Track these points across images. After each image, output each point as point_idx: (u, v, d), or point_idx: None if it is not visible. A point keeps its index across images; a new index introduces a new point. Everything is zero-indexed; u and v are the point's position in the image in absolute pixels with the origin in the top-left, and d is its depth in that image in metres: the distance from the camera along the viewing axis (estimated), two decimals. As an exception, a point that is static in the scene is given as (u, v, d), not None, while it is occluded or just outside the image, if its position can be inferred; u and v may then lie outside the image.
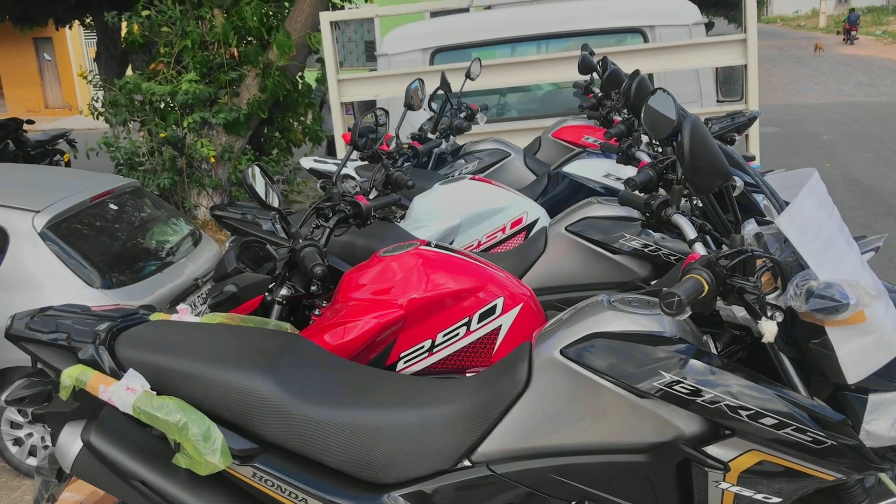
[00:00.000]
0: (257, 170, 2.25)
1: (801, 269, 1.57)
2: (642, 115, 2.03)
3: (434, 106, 4.45)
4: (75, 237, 4.95)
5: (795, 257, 1.60)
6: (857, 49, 29.49)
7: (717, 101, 6.06)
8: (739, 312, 1.61)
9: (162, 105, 8.06)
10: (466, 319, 2.28)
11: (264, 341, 1.90)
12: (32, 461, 4.99)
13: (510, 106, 6.73)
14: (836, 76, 22.34)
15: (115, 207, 5.54)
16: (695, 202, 2.14)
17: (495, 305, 2.28)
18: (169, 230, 5.71)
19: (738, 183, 2.20)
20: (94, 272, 4.63)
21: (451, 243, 3.23)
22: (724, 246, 1.77)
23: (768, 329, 1.52)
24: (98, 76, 8.93)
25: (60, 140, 12.11)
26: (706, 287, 1.49)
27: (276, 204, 2.27)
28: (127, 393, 1.69)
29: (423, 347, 2.28)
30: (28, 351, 1.83)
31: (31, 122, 12.46)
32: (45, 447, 4.91)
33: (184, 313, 2.05)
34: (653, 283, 2.59)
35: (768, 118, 15.93)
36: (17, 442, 5.03)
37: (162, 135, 7.92)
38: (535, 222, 3.28)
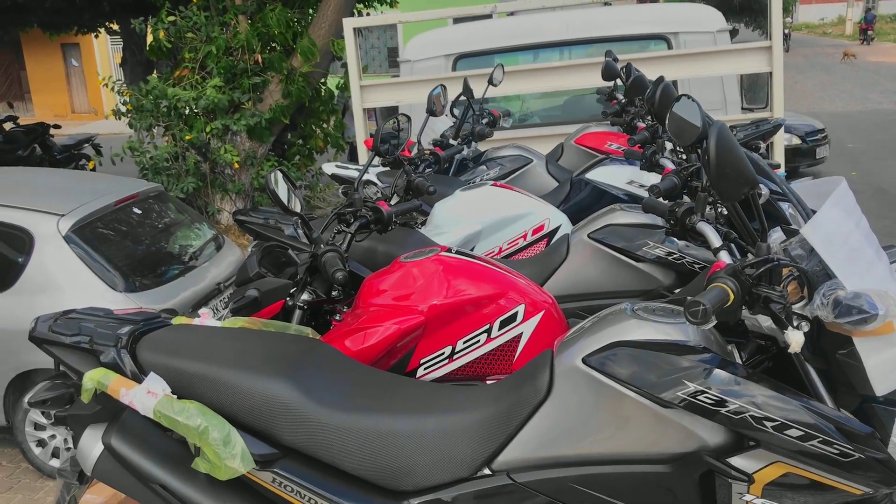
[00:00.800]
0: (280, 175, 2.26)
1: (828, 278, 1.54)
2: (667, 122, 2.01)
3: (456, 112, 4.45)
4: (99, 241, 5.00)
5: (822, 266, 1.57)
6: (885, 56, 29.17)
7: (742, 108, 6.01)
8: (765, 322, 1.58)
9: (186, 111, 8.13)
10: (487, 326, 2.27)
11: (285, 346, 1.90)
12: (55, 463, 5.04)
13: (533, 112, 6.71)
14: (862, 84, 22.12)
15: (140, 211, 5.58)
16: (720, 210, 2.11)
17: (516, 313, 2.27)
18: (192, 234, 5.75)
19: (764, 191, 2.17)
20: (117, 276, 4.66)
21: (472, 250, 3.23)
22: (749, 255, 1.75)
23: (795, 339, 1.50)
24: (121, 82, 9.03)
25: (86, 144, 12.25)
26: (732, 296, 1.47)
27: (298, 209, 2.28)
28: (148, 396, 1.70)
29: (443, 354, 2.27)
30: (51, 353, 1.84)
31: (57, 126, 12.62)
32: (68, 449, 4.95)
33: (205, 317, 2.06)
34: (677, 291, 2.57)
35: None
36: (41, 443, 5.08)
37: (187, 137, 7.99)
38: (557, 229, 3.26)
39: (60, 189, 5.57)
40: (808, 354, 1.60)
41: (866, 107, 18.14)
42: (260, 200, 8.35)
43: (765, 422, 1.51)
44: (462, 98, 4.37)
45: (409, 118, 2.84)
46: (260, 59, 7.92)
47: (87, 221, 5.01)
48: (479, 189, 3.32)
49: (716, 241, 1.87)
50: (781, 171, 4.65)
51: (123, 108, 8.49)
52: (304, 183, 9.04)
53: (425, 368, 2.30)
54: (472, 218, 3.24)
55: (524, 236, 3.25)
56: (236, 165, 8.21)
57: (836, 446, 1.50)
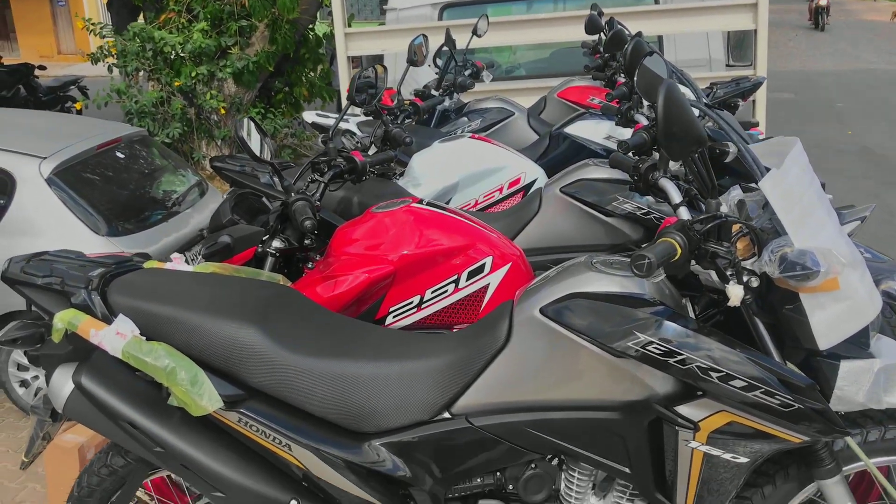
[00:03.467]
0: (251, 123, 2.27)
1: (778, 235, 1.59)
2: (635, 78, 2.03)
3: (439, 63, 4.44)
4: (82, 184, 4.99)
5: (773, 224, 1.62)
6: (878, 14, 28.87)
7: (727, 65, 6.01)
8: (737, 291, 1.63)
9: (173, 55, 8.05)
10: (455, 277, 2.31)
11: (254, 291, 1.94)
12: (39, 403, 5.08)
13: (520, 64, 6.68)
14: (855, 43, 21.94)
15: (123, 156, 5.56)
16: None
17: (484, 264, 2.32)
18: (176, 180, 5.74)
19: (732, 149, 2.20)
20: (100, 219, 4.67)
21: (448, 202, 3.26)
22: None
23: (734, 293, 1.55)
24: (102, 25, 8.91)
25: (72, 87, 12.10)
26: (679, 251, 1.51)
27: (268, 157, 2.30)
28: (117, 338, 1.74)
29: (411, 303, 2.32)
30: (23, 294, 1.88)
31: (42, 67, 12.44)
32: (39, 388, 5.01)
33: (177, 262, 2.09)
34: (643, 246, 2.61)
35: (784, 84, 15.72)
36: (24, 384, 5.13)
37: (177, 83, 7.92)
38: (532, 182, 3.29)
39: (43, 131, 5.54)
40: (757, 309, 1.65)
41: (858, 66, 18.04)
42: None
43: (710, 372, 1.57)
44: (445, 48, 4.35)
45: (385, 68, 2.84)
46: (246, 2, 7.82)
47: (70, 164, 5.00)
48: (457, 141, 3.34)
49: (676, 197, 1.91)
50: (759, 129, 4.67)
51: (104, 52, 8.40)
52: (291, 131, 9.00)
53: (394, 317, 2.35)
54: (448, 170, 3.26)
55: (500, 189, 3.28)
56: (222, 111, 8.16)
57: (777, 397, 1.57)
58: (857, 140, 11.06)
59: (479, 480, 1.84)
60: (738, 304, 1.56)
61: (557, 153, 3.63)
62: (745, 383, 1.56)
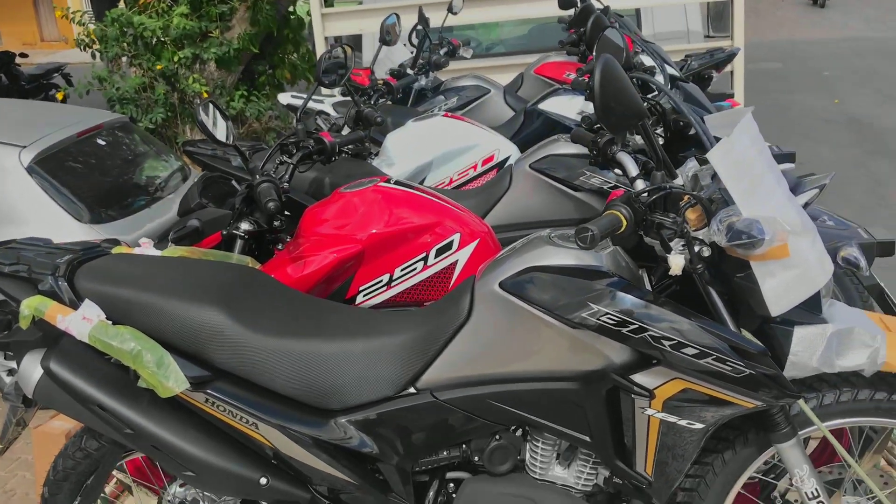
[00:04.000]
0: (213, 107, 2.29)
1: (728, 205, 1.61)
2: (594, 51, 2.05)
3: (415, 41, 4.43)
4: (63, 172, 4.99)
5: (723, 195, 1.64)
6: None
7: (706, 37, 6.01)
8: (678, 261, 1.65)
9: (154, 41, 8.00)
10: (424, 254, 2.34)
11: (221, 274, 1.96)
12: (27, 391, 5.11)
13: (499, 41, 6.67)
14: (845, 10, 21.85)
15: (104, 143, 5.56)
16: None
17: (452, 241, 2.34)
18: (158, 165, 5.74)
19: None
20: (82, 207, 4.67)
21: (422, 181, 3.27)
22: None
23: (675, 263, 1.58)
24: (82, 13, 8.85)
25: (56, 74, 12.02)
26: (624, 222, 1.54)
27: (229, 140, 2.31)
28: (83, 322, 1.76)
29: (381, 281, 2.35)
30: (-10, 282, 1.90)
31: (24, 55, 12.36)
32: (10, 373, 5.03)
33: (146, 247, 2.11)
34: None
35: (771, 54, 15.69)
36: (12, 373, 5.15)
37: (158, 66, 7.89)
38: (506, 160, 3.31)
39: (22, 120, 5.53)
40: (711, 278, 1.68)
41: (847, 34, 17.98)
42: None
43: (663, 341, 1.60)
44: (419, 27, 4.35)
45: (352, 47, 2.85)
46: (226, -16, 7.79)
47: (51, 153, 4.99)
48: (430, 120, 3.35)
49: (633, 170, 1.93)
50: (735, 100, 4.69)
51: (86, 39, 8.36)
52: (275, 113, 8.97)
53: (364, 295, 2.37)
54: (422, 149, 3.28)
55: (474, 167, 3.30)
56: (205, 95, 8.13)
57: (729, 363, 1.60)
58: (844, 109, 11.06)
59: (445, 453, 1.88)
60: (679, 273, 1.59)
61: (532, 129, 3.64)
62: (698, 351, 1.60)
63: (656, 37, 5.76)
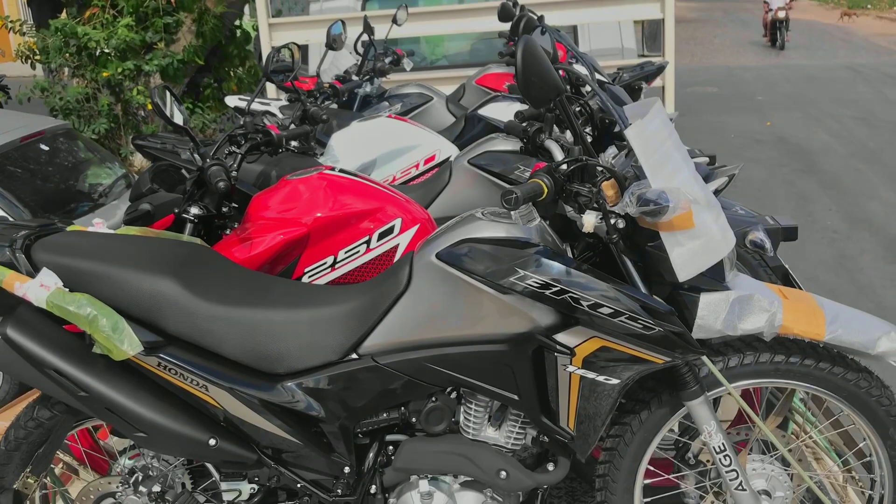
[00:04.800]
0: (165, 91, 2.40)
1: (640, 180, 1.79)
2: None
3: (360, 49, 4.59)
4: (6, 177, 5.01)
5: (635, 171, 1.82)
6: (800, 14, 29.85)
7: (640, 55, 6.30)
8: (589, 218, 1.83)
9: (97, 52, 8.02)
10: (367, 238, 2.48)
11: (173, 249, 2.07)
12: None
13: (442, 56, 6.88)
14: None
15: (47, 148, 5.58)
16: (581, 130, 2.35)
17: (393, 226, 2.48)
18: (102, 172, 5.78)
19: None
20: (25, 212, 4.70)
21: (366, 178, 3.41)
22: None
23: (588, 221, 1.76)
24: (22, 22, 8.82)
25: (-7, 86, 11.86)
26: (545, 189, 1.71)
27: (181, 122, 2.43)
28: (41, 289, 1.85)
29: (325, 263, 2.48)
30: (-51, 254, 1.97)
31: (-39, 67, 12.16)
32: None
33: (99, 226, 2.20)
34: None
35: (708, 79, 16.28)
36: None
37: (105, 74, 7.89)
38: (447, 159, 3.47)
39: (-36, 125, 5.52)
40: (625, 248, 1.86)
41: (780, 61, 18.70)
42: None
43: (581, 301, 1.77)
44: (364, 36, 4.51)
45: (298, 46, 2.99)
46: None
47: (-7, 157, 5.02)
48: (374, 120, 3.50)
49: (559, 155, 2.10)
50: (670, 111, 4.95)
51: (27, 51, 8.33)
52: (220, 126, 9.03)
53: (309, 277, 2.50)
54: (367, 148, 3.42)
55: (416, 165, 3.45)
56: (149, 107, 8.15)
57: (640, 322, 1.77)
58: (775, 131, 11.56)
59: (385, 415, 2.00)
60: (591, 230, 1.77)
61: (472, 134, 3.82)
62: (612, 310, 1.77)
63: (592, 53, 6.03)
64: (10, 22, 8.60)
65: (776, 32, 18.75)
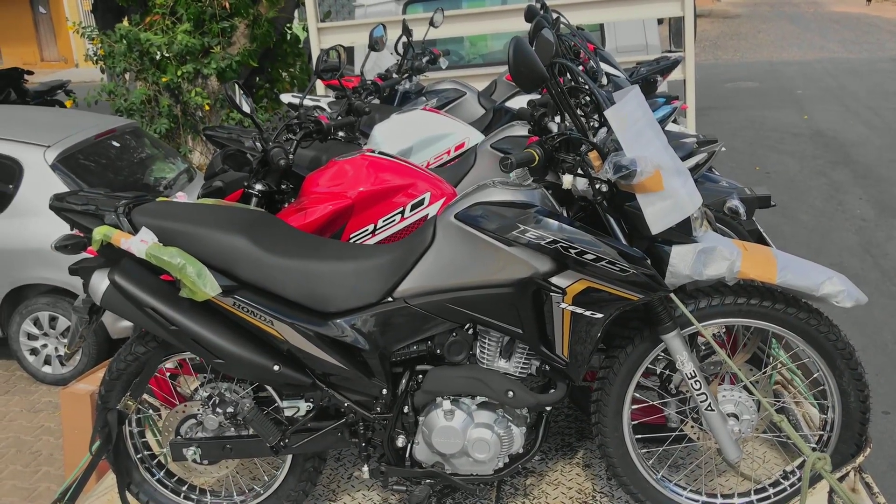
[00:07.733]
0: (235, 85, 2.89)
1: (618, 151, 2.21)
2: (534, 46, 2.62)
3: (400, 50, 5.06)
4: (82, 170, 5.59)
5: (615, 144, 2.23)
6: (846, 6, 29.57)
7: (665, 51, 6.65)
8: (580, 185, 2.25)
9: (158, 56, 8.62)
10: (401, 209, 2.93)
11: (244, 214, 2.54)
12: (48, 369, 5.68)
13: (476, 53, 7.34)
14: (822, 33, 22.61)
15: (118, 145, 6.15)
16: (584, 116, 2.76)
17: (424, 198, 2.93)
18: (166, 167, 6.33)
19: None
20: (100, 201, 5.23)
21: (404, 163, 3.86)
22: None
23: (566, 180, 2.18)
24: (91, 28, 9.46)
25: (59, 91, 12.61)
26: (536, 158, 2.14)
27: (248, 111, 2.92)
28: (141, 244, 2.33)
29: (367, 230, 2.94)
30: (66, 218, 2.46)
31: (30, 73, 12.95)
32: (58, 356, 5.59)
33: (181, 198, 2.69)
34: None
35: (750, 74, 16.42)
36: (34, 352, 5.71)
37: (164, 79, 8.49)
38: (476, 146, 3.90)
39: (45, 124, 6.12)
40: (609, 207, 2.28)
41: (822, 55, 18.69)
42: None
43: (570, 250, 2.19)
44: (404, 38, 4.97)
45: (345, 48, 3.46)
46: (227, 5, 8.41)
47: (71, 152, 5.60)
48: (411, 112, 3.95)
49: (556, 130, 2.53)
50: (683, 103, 5.32)
51: (94, 55, 8.95)
52: (272, 125, 9.58)
53: (353, 242, 2.96)
54: (404, 137, 3.86)
55: (448, 152, 3.89)
56: (207, 108, 8.74)
57: (617, 266, 2.19)
58: (812, 124, 11.72)
59: (415, 347, 2.44)
60: (569, 187, 2.19)
61: (500, 124, 4.24)
62: (595, 256, 2.18)
63: (618, 49, 6.42)
64: (83, 28, 9.24)
65: None
